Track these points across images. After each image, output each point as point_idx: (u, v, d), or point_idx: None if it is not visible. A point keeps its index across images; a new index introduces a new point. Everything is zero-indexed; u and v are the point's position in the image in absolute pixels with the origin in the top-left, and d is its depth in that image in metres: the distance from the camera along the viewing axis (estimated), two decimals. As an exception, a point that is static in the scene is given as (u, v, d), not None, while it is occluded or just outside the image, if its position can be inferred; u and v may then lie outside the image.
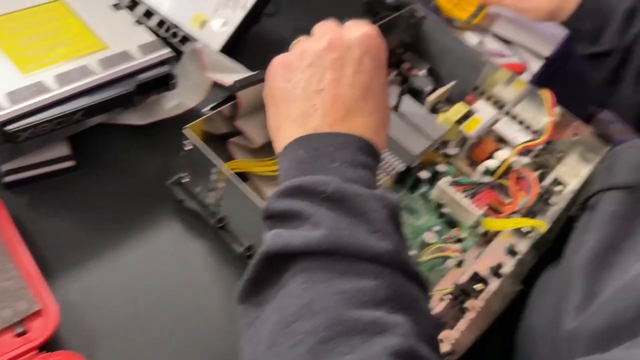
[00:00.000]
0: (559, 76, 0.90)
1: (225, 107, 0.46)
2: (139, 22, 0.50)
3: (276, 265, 0.32)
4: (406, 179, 0.55)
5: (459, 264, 0.51)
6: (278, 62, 0.41)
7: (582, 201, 0.48)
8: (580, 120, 0.58)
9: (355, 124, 0.38)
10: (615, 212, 0.43)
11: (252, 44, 0.64)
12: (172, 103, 0.53)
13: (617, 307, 0.36)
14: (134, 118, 0.51)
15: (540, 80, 0.80)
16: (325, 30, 0.41)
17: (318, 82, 0.38)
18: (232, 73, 0.50)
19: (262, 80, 0.46)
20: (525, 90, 0.59)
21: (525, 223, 0.50)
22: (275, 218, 0.34)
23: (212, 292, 0.45)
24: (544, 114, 0.58)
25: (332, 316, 0.29)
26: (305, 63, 0.39)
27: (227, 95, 0.45)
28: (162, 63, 0.48)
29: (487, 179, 0.55)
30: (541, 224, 0.48)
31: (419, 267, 0.34)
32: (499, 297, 0.43)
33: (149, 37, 0.49)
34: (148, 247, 0.47)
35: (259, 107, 0.48)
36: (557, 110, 0.58)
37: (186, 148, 0.44)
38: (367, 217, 0.32)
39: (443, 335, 0.41)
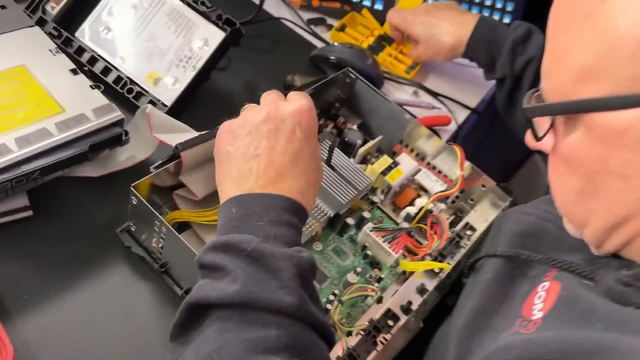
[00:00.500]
0: (492, 124, 0.99)
1: (170, 165, 0.52)
2: (93, 86, 0.56)
3: (198, 313, 0.38)
4: (335, 224, 0.62)
5: (380, 300, 0.58)
6: (225, 128, 0.46)
7: (470, 263, 0.53)
8: (485, 175, 0.66)
9: (284, 186, 0.44)
10: (491, 279, 0.47)
11: (203, 98, 0.71)
12: (124, 156, 0.59)
13: None
14: (88, 170, 0.57)
15: (466, 130, 0.89)
16: (267, 102, 0.47)
17: (255, 148, 0.44)
18: (178, 133, 0.56)
19: (203, 141, 0.53)
20: (442, 146, 0.68)
21: (433, 265, 0.57)
22: (205, 269, 0.40)
23: (154, 330, 0.51)
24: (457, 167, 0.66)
25: None
26: (245, 131, 0.45)
27: (171, 155, 0.52)
28: (114, 125, 0.54)
29: (405, 225, 0.63)
30: (447, 266, 0.56)
31: (324, 318, 0.40)
32: (404, 334, 0.50)
33: (103, 101, 0.55)
34: (98, 288, 0.52)
35: (202, 164, 0.55)
36: (467, 164, 0.66)
37: (133, 202, 0.50)
38: (278, 275, 0.38)
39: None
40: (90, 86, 0.56)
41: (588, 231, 0.39)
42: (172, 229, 0.48)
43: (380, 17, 0.92)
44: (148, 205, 0.49)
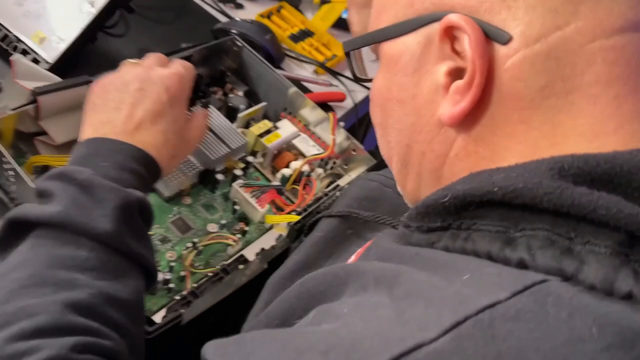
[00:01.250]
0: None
1: (30, 109, 0.54)
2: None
3: (17, 231, 0.40)
4: (207, 180, 0.65)
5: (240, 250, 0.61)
6: (98, 83, 0.50)
7: (310, 223, 0.55)
8: (356, 141, 0.69)
9: (139, 138, 0.47)
10: (321, 237, 0.49)
11: (93, 61, 0.73)
12: (-2, 106, 0.61)
13: (269, 314, 0.41)
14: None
15: (365, 109, 0.93)
16: (144, 63, 0.51)
17: (119, 102, 0.48)
18: (44, 81, 0.58)
19: (61, 87, 0.55)
20: (324, 116, 0.71)
21: (291, 218, 0.60)
22: (37, 195, 0.42)
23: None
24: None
25: (37, 271, 0.37)
26: (114, 87, 0.49)
27: (30, 99, 0.54)
28: (-20, 70, 0.56)
29: (276, 183, 0.66)
30: (296, 218, 0.59)
31: (146, 252, 0.42)
32: (246, 272, 0.53)
33: (-29, 48, 0.57)
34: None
35: (63, 111, 0.57)
36: (342, 131, 0.69)
37: (-14, 142, 0.52)
38: (101, 204, 0.40)
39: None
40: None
41: (394, 169, 0.40)
42: (19, 167, 0.50)
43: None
44: (-2, 143, 0.50)
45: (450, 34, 0.32)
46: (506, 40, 0.30)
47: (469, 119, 0.32)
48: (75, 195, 0.40)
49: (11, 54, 0.67)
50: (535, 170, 0.28)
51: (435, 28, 0.32)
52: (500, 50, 0.31)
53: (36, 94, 0.52)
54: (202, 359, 0.30)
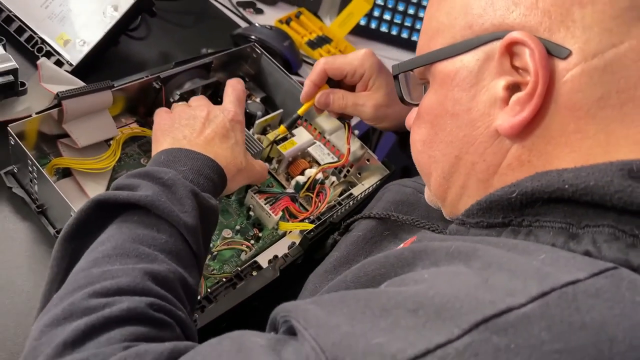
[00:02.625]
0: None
1: (54, 112, 0.55)
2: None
3: (104, 213, 0.42)
4: (223, 186, 0.66)
5: (254, 257, 0.62)
6: (162, 115, 0.56)
7: (346, 223, 0.56)
8: (369, 151, 0.70)
9: (210, 151, 0.52)
10: (360, 237, 0.51)
11: (115, 63, 0.75)
12: (22, 107, 0.62)
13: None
14: (-16, 117, 0.60)
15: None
16: (200, 103, 0.59)
17: (190, 126, 0.54)
18: (68, 85, 0.59)
19: (86, 92, 0.56)
20: (339, 124, 0.72)
21: (305, 226, 0.61)
22: (119, 189, 0.44)
23: (25, 266, 0.54)
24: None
25: (120, 244, 0.40)
26: (183, 116, 0.56)
27: (54, 102, 0.55)
28: (8, 73, 0.58)
29: (291, 190, 0.67)
30: (309, 227, 0.60)
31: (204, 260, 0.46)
32: (259, 279, 0.54)
33: (-1, 51, 0.58)
34: (-22, 226, 0.55)
35: (86, 114, 0.58)
36: (356, 140, 0.70)
37: (11, 143, 0.53)
38: (183, 202, 0.44)
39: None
40: (-10, 37, 0.59)
41: (433, 182, 0.42)
42: (42, 168, 0.52)
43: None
44: (22, 145, 0.52)
45: (510, 50, 0.34)
46: (566, 55, 0.33)
47: (525, 129, 0.34)
48: (160, 190, 0.43)
49: (36, 55, 0.69)
50: (606, 170, 0.30)
51: (496, 46, 0.35)
52: (560, 64, 0.33)
53: (61, 98, 0.54)
54: (275, 319, 0.32)
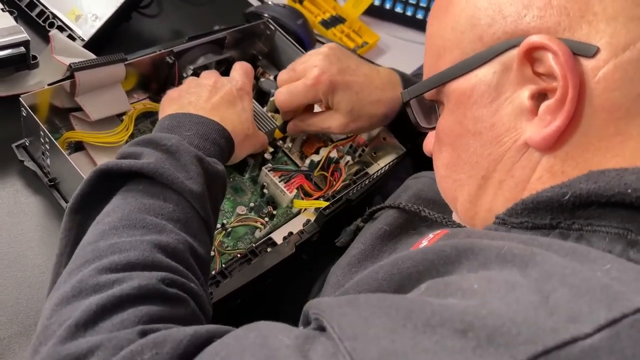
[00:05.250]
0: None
1: (66, 84, 0.54)
2: (4, 9, 0.58)
3: (108, 182, 0.41)
4: (236, 163, 0.65)
5: (268, 234, 0.61)
6: (171, 90, 0.56)
7: (371, 210, 0.52)
8: (386, 129, 0.68)
9: (217, 116, 0.51)
10: (386, 231, 0.47)
11: (127, 39, 0.74)
12: (34, 81, 0.61)
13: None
14: (-2, 90, 0.59)
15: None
16: (209, 75, 0.57)
17: (197, 94, 0.53)
18: (81, 58, 0.58)
19: (98, 64, 0.55)
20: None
21: (320, 204, 0.60)
22: (123, 157, 0.42)
23: (37, 239, 0.53)
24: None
25: (126, 215, 0.38)
26: (191, 86, 0.55)
27: (67, 74, 0.54)
28: (18, 45, 0.57)
29: (305, 168, 0.66)
30: (324, 204, 0.59)
31: (215, 226, 0.45)
32: (274, 255, 0.53)
33: (10, 23, 0.57)
34: (-9, 199, 0.54)
35: (98, 87, 0.57)
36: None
37: (23, 114, 0.52)
38: (187, 168, 0.42)
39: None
40: (1, 9, 0.58)
41: (459, 207, 0.39)
42: (55, 141, 0.51)
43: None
44: (35, 117, 0.51)
45: (530, 56, 0.32)
46: (593, 52, 0.30)
47: (559, 139, 0.32)
48: (164, 157, 0.42)
49: (48, 30, 0.68)
50: None
51: (513, 54, 0.33)
52: (588, 63, 0.31)
53: (74, 69, 0.53)
54: (307, 314, 0.29)
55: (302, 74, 0.59)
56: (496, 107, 0.34)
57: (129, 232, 0.37)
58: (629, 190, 0.28)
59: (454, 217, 0.43)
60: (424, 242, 0.39)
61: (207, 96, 0.53)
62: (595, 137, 0.31)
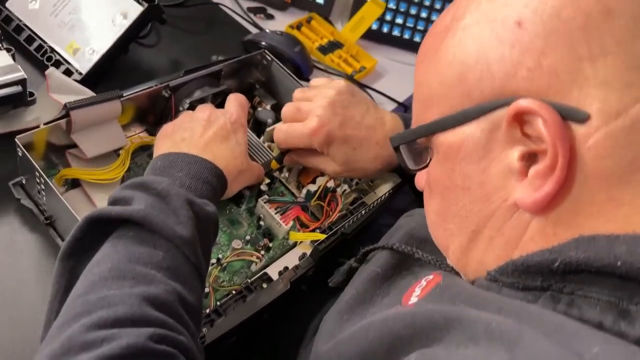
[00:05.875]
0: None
1: (62, 122, 0.55)
2: (1, 47, 0.59)
3: (97, 229, 0.41)
4: (234, 195, 0.65)
5: (264, 268, 0.61)
6: (168, 123, 0.57)
7: (364, 251, 0.51)
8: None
9: (209, 154, 0.51)
10: (379, 274, 0.46)
11: (125, 71, 0.74)
12: (32, 116, 0.62)
13: (339, 351, 0.39)
14: (-6, 127, 0.59)
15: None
16: (205, 109, 0.58)
17: (190, 130, 0.54)
18: (77, 95, 0.59)
19: (93, 102, 0.55)
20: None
21: (317, 236, 0.60)
22: (114, 202, 0.43)
23: (33, 279, 0.53)
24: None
25: (115, 264, 0.38)
26: (185, 121, 0.56)
27: (62, 113, 0.54)
28: (16, 83, 0.57)
29: (301, 199, 0.66)
30: (320, 237, 0.58)
31: (207, 268, 0.45)
32: (268, 292, 0.53)
33: (7, 61, 0.58)
34: (-13, 237, 0.55)
35: (94, 124, 0.58)
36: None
37: (19, 154, 0.53)
38: (177, 213, 0.42)
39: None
40: (-1, 47, 0.59)
41: (451, 255, 0.39)
42: (49, 181, 0.51)
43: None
44: (30, 157, 0.51)
45: (519, 118, 0.31)
46: (584, 118, 0.30)
47: (549, 203, 0.31)
48: (154, 202, 0.42)
49: (45, 64, 0.69)
50: None
51: (501, 114, 0.32)
52: (579, 129, 0.30)
53: (69, 108, 0.53)
54: None
55: (304, 117, 0.60)
56: (485, 166, 0.33)
57: (118, 284, 0.37)
58: (619, 263, 0.27)
59: (448, 261, 0.42)
60: (417, 291, 0.38)
61: (201, 132, 0.54)
62: (586, 202, 0.31)
